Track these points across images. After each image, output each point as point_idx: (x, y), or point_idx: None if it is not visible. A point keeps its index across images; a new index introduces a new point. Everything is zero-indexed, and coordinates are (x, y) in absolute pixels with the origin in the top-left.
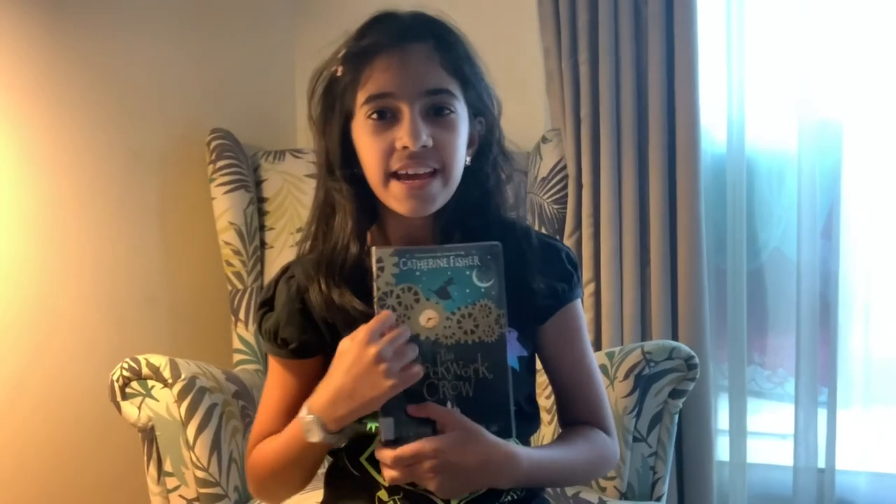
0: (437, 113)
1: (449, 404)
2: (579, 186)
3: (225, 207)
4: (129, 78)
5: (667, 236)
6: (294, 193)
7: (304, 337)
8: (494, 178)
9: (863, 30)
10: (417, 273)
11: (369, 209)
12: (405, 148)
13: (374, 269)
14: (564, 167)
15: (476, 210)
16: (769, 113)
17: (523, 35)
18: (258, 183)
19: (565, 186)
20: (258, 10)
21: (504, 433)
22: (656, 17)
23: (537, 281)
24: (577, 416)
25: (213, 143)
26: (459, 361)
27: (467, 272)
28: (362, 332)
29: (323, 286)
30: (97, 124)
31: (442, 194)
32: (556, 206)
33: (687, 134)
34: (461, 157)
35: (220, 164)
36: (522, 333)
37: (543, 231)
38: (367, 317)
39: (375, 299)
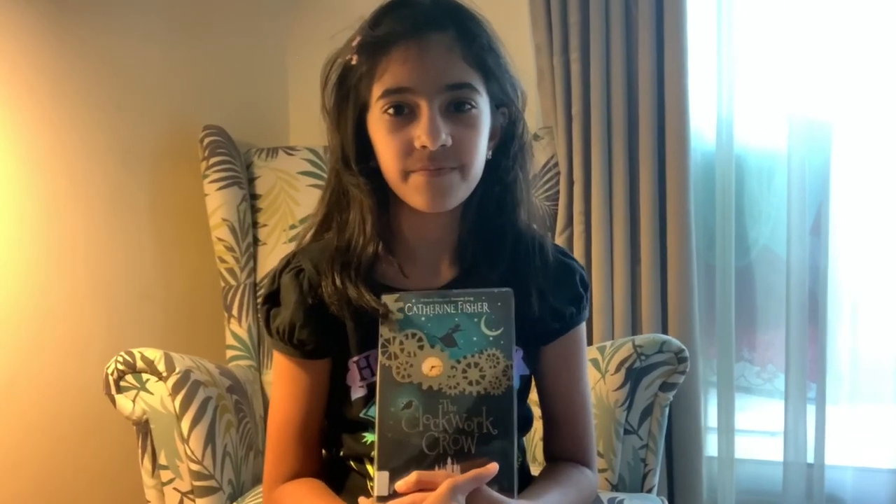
0: (457, 109)
1: (449, 461)
2: (570, 183)
3: (218, 204)
4: (123, 74)
5: (657, 233)
6: (287, 190)
7: (322, 339)
8: (514, 173)
9: (851, 31)
10: (423, 318)
11: (384, 203)
12: (424, 147)
13: (379, 314)
14: (556, 164)
15: (494, 208)
16: (758, 112)
17: (515, 32)
18: (251, 180)
19: (557, 183)
20: (251, 6)
21: (506, 491)
22: (647, 16)
23: (547, 302)
24: (563, 449)
25: (206, 140)
26: (463, 414)
27: (475, 319)
28: None
29: (338, 281)
30: (90, 121)
31: (461, 190)
32: (547, 203)
33: (677, 132)
34: (482, 155)
35: (213, 160)
36: (527, 352)
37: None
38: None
39: (379, 346)
